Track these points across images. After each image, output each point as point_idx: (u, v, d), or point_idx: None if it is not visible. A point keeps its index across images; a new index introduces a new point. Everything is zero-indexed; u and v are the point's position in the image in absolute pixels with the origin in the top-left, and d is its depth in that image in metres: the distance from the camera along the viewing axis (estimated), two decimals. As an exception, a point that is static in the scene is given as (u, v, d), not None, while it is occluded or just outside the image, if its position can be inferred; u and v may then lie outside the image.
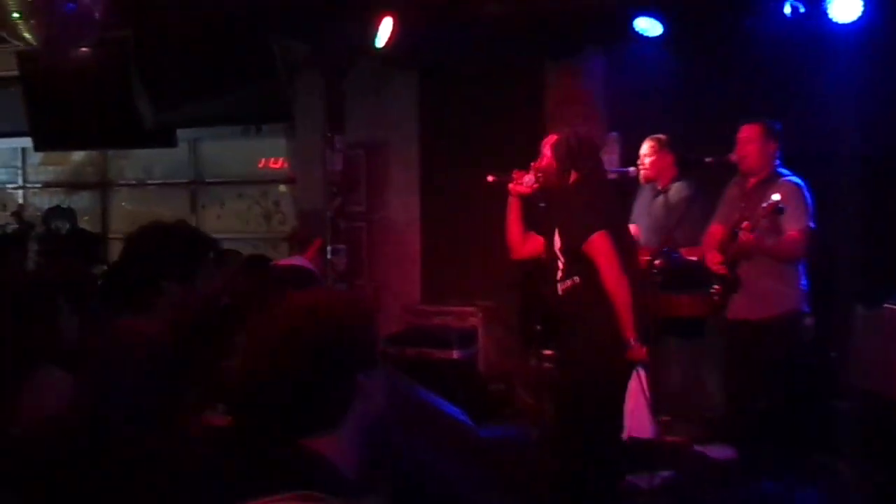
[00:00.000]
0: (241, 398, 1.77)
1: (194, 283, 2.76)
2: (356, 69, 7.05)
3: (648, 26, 6.60)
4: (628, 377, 4.29)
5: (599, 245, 4.27)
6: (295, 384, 1.68)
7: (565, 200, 4.50)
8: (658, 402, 5.71)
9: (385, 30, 5.95)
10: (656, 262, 5.22)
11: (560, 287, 4.45)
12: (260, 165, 8.13)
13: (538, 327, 6.20)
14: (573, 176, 4.50)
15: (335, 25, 5.88)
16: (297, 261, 3.95)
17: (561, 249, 4.47)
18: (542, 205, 4.71)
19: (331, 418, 1.70)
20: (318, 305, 1.78)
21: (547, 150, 4.62)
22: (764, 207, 4.65)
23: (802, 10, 5.84)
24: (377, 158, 7.72)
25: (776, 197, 4.64)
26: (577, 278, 4.39)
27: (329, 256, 6.05)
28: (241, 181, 8.22)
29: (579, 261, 4.36)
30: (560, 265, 4.46)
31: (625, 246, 4.38)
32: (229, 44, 6.73)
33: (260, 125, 7.77)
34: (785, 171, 5.11)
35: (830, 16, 6.10)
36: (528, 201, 4.69)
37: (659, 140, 5.89)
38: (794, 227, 4.85)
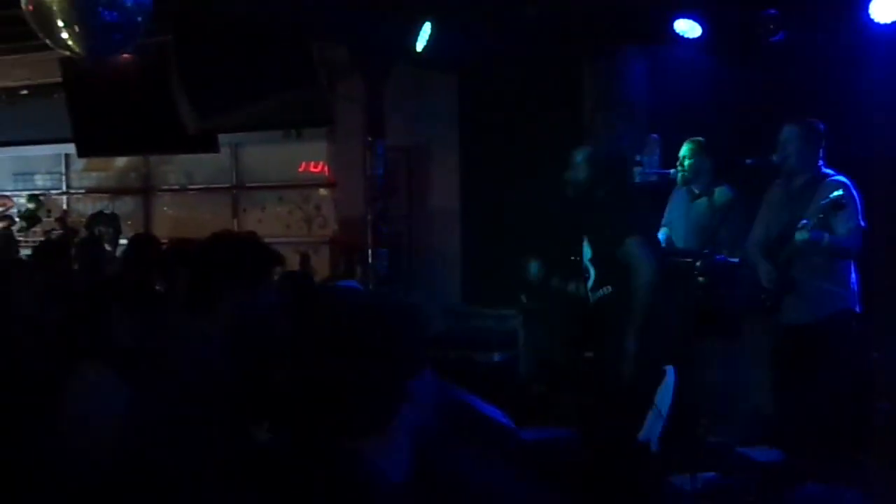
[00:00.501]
0: (292, 399, 1.79)
1: (255, 292, 2.80)
2: (396, 73, 7.09)
3: (688, 28, 6.58)
4: (656, 385, 4.42)
5: (634, 250, 4.45)
6: (345, 387, 1.70)
7: (597, 211, 4.69)
8: (699, 403, 5.76)
9: (425, 34, 5.97)
10: (697, 263, 5.22)
11: (592, 297, 4.67)
12: (300, 169, 8.18)
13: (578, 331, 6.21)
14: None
15: (375, 30, 5.91)
16: (350, 283, 3.95)
17: (592, 259, 4.65)
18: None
19: (380, 422, 1.72)
20: (370, 310, 1.80)
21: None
22: (824, 204, 4.63)
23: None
24: (417, 161, 7.77)
25: (839, 192, 4.62)
26: (609, 287, 4.56)
27: (371, 260, 6.09)
28: (282, 185, 8.27)
29: (612, 269, 4.51)
30: (592, 275, 4.67)
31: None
32: (270, 48, 6.79)
33: (300, 130, 7.82)
34: (830, 171, 5.08)
35: (871, 16, 6.07)
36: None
37: (698, 143, 5.86)
38: (847, 224, 4.81)
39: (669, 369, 4.43)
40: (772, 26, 6.10)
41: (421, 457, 1.85)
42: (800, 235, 4.70)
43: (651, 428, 4.46)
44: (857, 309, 5.06)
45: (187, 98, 6.38)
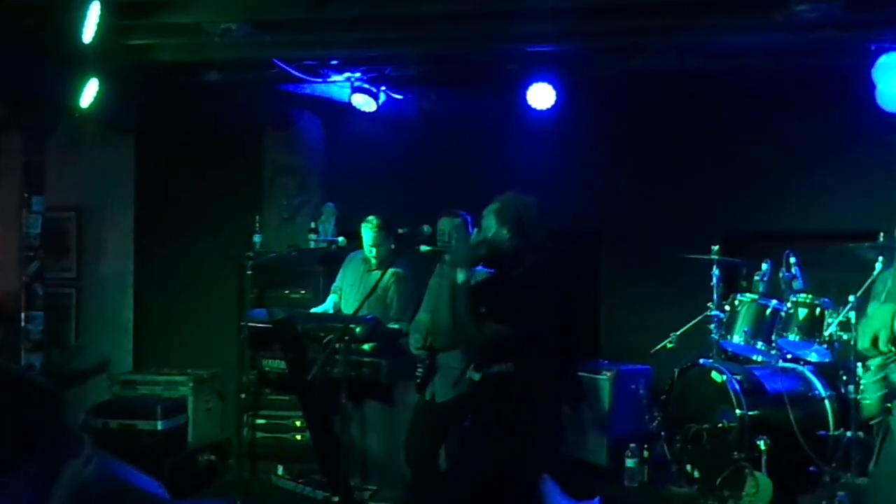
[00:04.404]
0: None
1: None
2: (71, 130, 6.81)
3: (363, 102, 6.87)
4: None
5: None
6: None
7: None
8: (365, 469, 5.86)
9: (90, 92, 5.79)
10: (357, 330, 5.34)
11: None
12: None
13: (242, 395, 6.17)
14: None
15: (34, 84, 5.67)
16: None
17: None
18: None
19: None
20: None
21: None
22: None
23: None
24: (90, 222, 7.45)
25: None
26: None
27: (24, 324, 5.72)
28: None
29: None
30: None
31: None
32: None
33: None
34: None
35: (529, 102, 6.63)
36: None
37: (376, 222, 5.97)
38: None
39: None
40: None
41: None
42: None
43: None
44: None
45: None
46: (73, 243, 7.38)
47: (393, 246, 5.94)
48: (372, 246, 5.95)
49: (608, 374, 5.78)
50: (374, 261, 6.01)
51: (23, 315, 5.75)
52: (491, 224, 4.73)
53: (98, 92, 5.88)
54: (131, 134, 7.31)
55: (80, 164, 7.29)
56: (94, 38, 5.21)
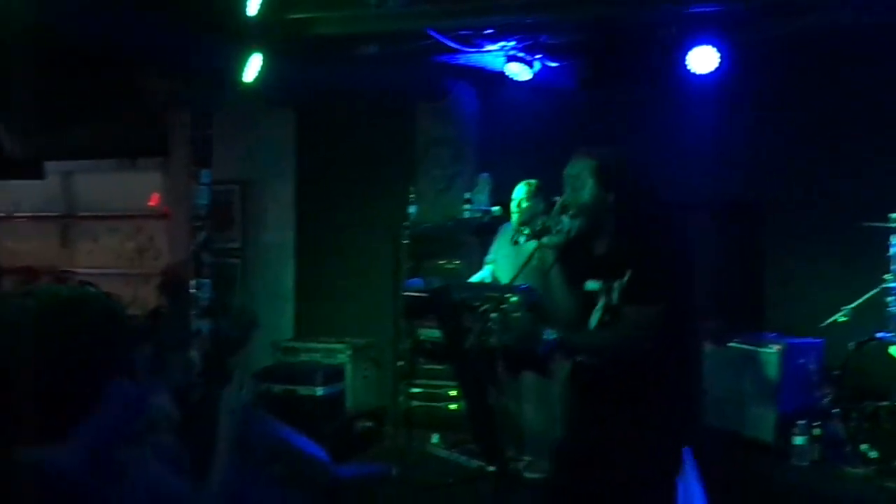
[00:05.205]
0: None
1: None
2: (233, 105, 7.03)
3: (519, 71, 6.78)
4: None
5: None
6: (17, 387, 1.59)
7: None
8: (520, 440, 5.83)
9: (254, 67, 5.95)
10: (513, 299, 5.28)
11: None
12: (134, 200, 7.99)
13: (398, 364, 6.24)
14: None
15: (202, 61, 5.86)
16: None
17: None
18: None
19: (56, 429, 1.62)
20: (51, 303, 1.68)
21: None
22: None
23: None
24: (253, 194, 7.71)
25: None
26: None
27: (193, 291, 5.97)
28: (114, 216, 8.06)
29: None
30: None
31: None
32: (100, 76, 6.64)
33: (134, 159, 7.68)
34: None
35: (689, 67, 6.38)
36: None
37: (533, 185, 5.92)
38: None
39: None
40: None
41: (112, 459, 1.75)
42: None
43: None
44: None
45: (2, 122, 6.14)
46: (238, 215, 7.67)
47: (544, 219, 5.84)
48: (519, 201, 5.83)
49: (776, 347, 5.52)
50: (517, 216, 5.85)
51: (192, 283, 5.98)
52: (588, 185, 3.57)
53: (261, 67, 6.03)
54: (292, 108, 7.50)
55: (243, 138, 7.55)
56: (259, 12, 5.33)
